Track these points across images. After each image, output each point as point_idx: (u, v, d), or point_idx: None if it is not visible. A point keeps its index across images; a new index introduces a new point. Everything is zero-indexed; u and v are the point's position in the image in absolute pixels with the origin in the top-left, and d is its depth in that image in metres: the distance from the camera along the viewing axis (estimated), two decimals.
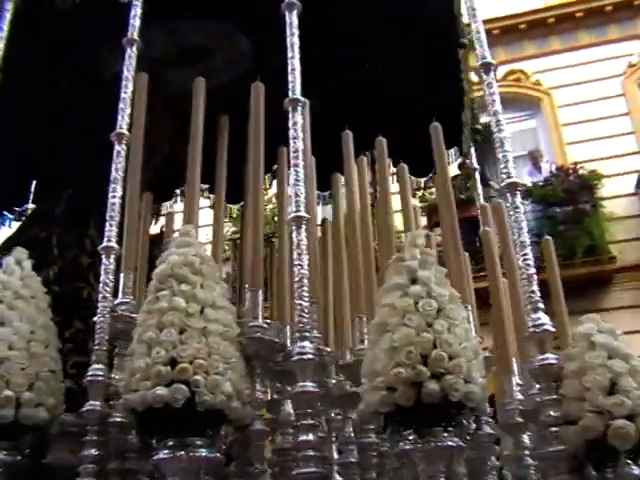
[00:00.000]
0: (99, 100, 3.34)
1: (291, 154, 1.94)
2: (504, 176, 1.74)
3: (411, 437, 1.51)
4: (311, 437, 1.60)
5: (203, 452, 1.61)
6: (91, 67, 3.25)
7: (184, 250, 1.82)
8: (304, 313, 1.71)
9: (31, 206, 3.76)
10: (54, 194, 2.97)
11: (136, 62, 3.42)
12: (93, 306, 2.69)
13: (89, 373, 1.84)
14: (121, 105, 2.24)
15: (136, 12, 2.45)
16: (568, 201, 8.89)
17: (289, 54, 2.13)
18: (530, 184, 8.82)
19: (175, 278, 1.76)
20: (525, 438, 1.88)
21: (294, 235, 1.82)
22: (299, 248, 1.79)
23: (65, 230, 2.80)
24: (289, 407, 2.11)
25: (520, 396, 1.91)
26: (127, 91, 2.27)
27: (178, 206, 4.11)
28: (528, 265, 1.63)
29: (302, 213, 1.84)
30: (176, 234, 1.93)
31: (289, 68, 2.10)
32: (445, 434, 1.49)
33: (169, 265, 1.78)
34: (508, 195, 1.72)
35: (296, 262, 1.78)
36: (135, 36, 2.40)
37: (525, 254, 1.64)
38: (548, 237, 2.17)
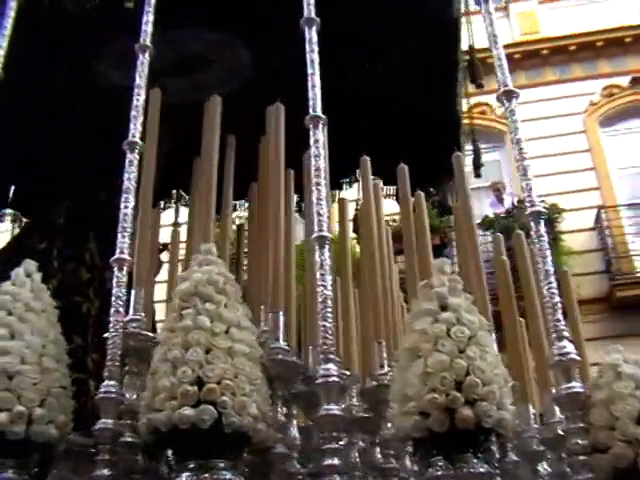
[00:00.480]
0: (98, 111, 3.32)
1: (312, 172, 1.95)
2: (528, 204, 1.78)
3: (441, 463, 1.52)
4: (336, 461, 1.59)
5: (227, 475, 1.59)
6: (89, 75, 3.22)
7: (207, 268, 1.81)
8: (328, 335, 1.71)
9: (9, 211, 3.68)
10: (52, 204, 2.90)
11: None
12: (92, 321, 2.66)
13: (102, 390, 1.79)
14: (133, 113, 2.21)
15: (148, 18, 2.43)
16: (528, 233, 9.11)
17: (309, 70, 2.14)
18: (492, 215, 9.03)
19: (199, 297, 1.74)
20: (541, 467, 1.90)
21: (317, 255, 1.82)
22: (322, 268, 1.79)
23: (65, 242, 2.74)
24: (295, 430, 2.08)
25: (535, 424, 1.94)
26: (139, 99, 2.24)
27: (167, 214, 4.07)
28: (553, 294, 1.66)
29: (325, 233, 1.84)
30: (197, 253, 1.90)
31: (309, 84, 2.11)
32: (475, 460, 1.50)
33: (193, 283, 1.76)
34: (532, 224, 1.75)
35: (319, 282, 1.77)
36: (148, 42, 2.37)
37: (550, 282, 1.67)
38: (565, 269, 2.22)
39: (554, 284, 1.67)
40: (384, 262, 2.19)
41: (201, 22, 3.24)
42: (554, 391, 1.73)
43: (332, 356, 1.69)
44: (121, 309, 1.90)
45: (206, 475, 1.56)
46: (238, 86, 3.46)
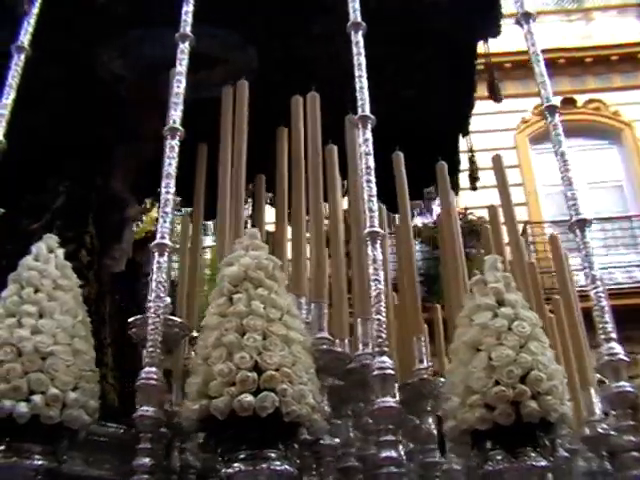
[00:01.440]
0: (97, 97, 3.20)
1: (363, 170, 1.94)
2: (573, 212, 1.83)
3: (499, 456, 1.53)
4: (394, 453, 1.57)
5: (281, 465, 1.53)
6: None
7: (256, 253, 1.76)
8: (382, 328, 1.70)
9: None
10: (46, 186, 2.75)
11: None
12: (92, 305, 2.53)
13: (142, 376, 1.70)
14: (174, 100, 2.15)
15: (188, 8, 2.37)
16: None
17: (357, 73, 2.14)
18: (420, 225, 9.12)
19: (250, 281, 1.69)
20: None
21: (369, 250, 1.81)
22: (375, 263, 1.78)
23: (64, 224, 2.60)
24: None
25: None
26: (180, 86, 2.18)
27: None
28: (600, 297, 1.71)
29: (377, 228, 1.84)
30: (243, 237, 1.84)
31: (357, 86, 2.11)
32: (534, 454, 1.52)
33: (242, 267, 1.71)
34: (577, 231, 1.80)
35: (373, 277, 1.76)
36: (188, 32, 2.31)
37: (597, 287, 1.73)
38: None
39: (600, 288, 1.73)
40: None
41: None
42: (601, 389, 1.78)
43: (386, 349, 1.68)
44: (162, 294, 1.82)
45: (263, 465, 1.51)
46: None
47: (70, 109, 2.95)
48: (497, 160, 2.41)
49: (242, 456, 1.54)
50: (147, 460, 1.63)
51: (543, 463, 1.50)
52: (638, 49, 11.84)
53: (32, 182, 2.82)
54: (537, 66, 2.11)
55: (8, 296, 1.74)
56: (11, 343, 1.62)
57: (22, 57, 2.34)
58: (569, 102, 12.29)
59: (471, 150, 3.47)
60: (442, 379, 1.98)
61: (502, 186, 2.33)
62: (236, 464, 1.53)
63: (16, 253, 2.02)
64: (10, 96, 2.24)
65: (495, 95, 3.09)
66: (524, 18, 2.20)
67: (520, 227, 9.21)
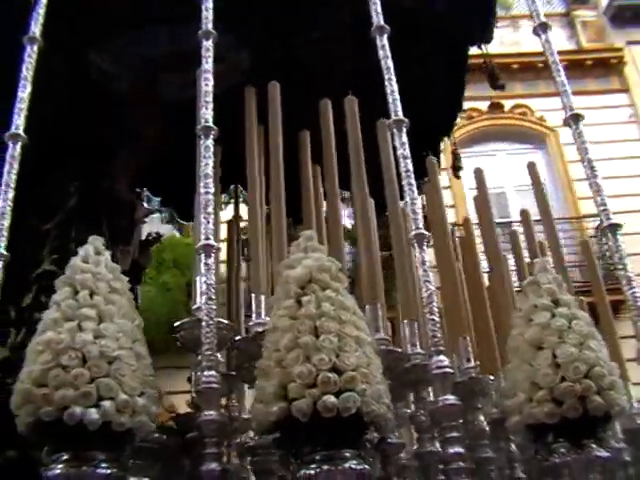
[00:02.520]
0: (97, 95, 3.08)
1: (403, 173, 1.98)
2: (604, 217, 1.95)
3: (562, 449, 1.62)
4: (460, 449, 1.63)
5: (358, 465, 1.55)
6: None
7: (317, 255, 1.77)
8: (436, 328, 1.75)
9: None
10: (50, 181, 2.62)
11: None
12: None
13: (202, 380, 1.68)
14: (205, 99, 2.12)
15: (208, 4, 2.33)
16: (382, 247, 9.70)
17: (385, 76, 2.17)
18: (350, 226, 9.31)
19: (316, 283, 1.70)
20: None
21: (417, 252, 1.86)
22: (424, 265, 1.83)
23: (78, 224, 2.49)
24: None
25: None
26: (208, 84, 2.14)
27: None
28: (636, 298, 1.84)
29: (422, 230, 1.89)
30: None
31: (387, 90, 2.14)
32: (595, 446, 1.62)
33: (306, 270, 1.71)
34: (610, 235, 1.92)
35: (423, 278, 1.81)
36: (210, 28, 2.28)
37: (632, 287, 1.85)
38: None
39: (637, 289, 1.85)
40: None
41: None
42: None
43: (442, 348, 1.73)
44: (213, 296, 1.79)
45: (345, 465, 1.53)
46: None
47: (72, 105, 2.84)
48: (431, 164, 2.52)
49: (319, 457, 1.56)
50: (215, 465, 1.61)
51: (606, 454, 1.60)
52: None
53: (36, 175, 2.69)
54: (558, 76, 2.23)
55: (62, 299, 1.67)
56: (74, 348, 1.56)
57: (35, 48, 2.24)
58: (496, 107, 12.89)
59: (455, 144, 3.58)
60: (491, 377, 2.07)
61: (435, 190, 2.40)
62: (314, 465, 1.55)
63: (32, 253, 1.95)
64: (26, 89, 2.14)
65: (495, 84, 3.18)
66: (541, 28, 2.31)
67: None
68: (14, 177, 1.97)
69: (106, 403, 1.52)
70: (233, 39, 3.33)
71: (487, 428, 2.02)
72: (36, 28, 2.27)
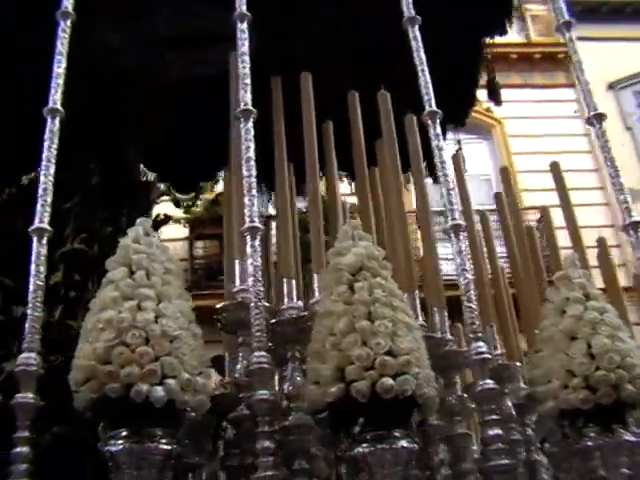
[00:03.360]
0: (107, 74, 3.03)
1: (438, 165, 2.06)
2: (626, 215, 2.07)
3: (592, 433, 1.75)
4: (500, 431, 1.73)
5: (407, 445, 1.64)
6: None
7: (365, 243, 1.83)
8: (474, 315, 1.84)
9: None
10: (72, 164, 2.58)
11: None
12: None
13: (254, 361, 1.72)
14: (244, 81, 2.11)
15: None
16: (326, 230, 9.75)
17: (419, 68, 2.22)
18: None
19: (367, 270, 1.76)
20: None
21: (454, 242, 1.94)
22: (460, 255, 1.92)
23: (100, 204, 2.47)
24: None
25: None
26: (246, 67, 2.14)
27: None
28: None
29: (459, 220, 1.97)
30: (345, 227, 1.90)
31: (421, 82, 2.19)
32: (623, 430, 1.75)
33: (358, 257, 1.78)
34: (631, 232, 2.04)
35: (460, 268, 1.90)
36: (244, 10, 2.28)
37: None
38: None
39: None
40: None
41: None
42: None
43: (480, 334, 1.83)
44: (260, 278, 1.83)
45: (399, 444, 1.61)
46: None
47: (87, 84, 2.80)
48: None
49: (370, 436, 1.64)
50: (269, 443, 1.67)
51: (634, 438, 1.73)
52: (510, 49, 12.78)
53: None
54: (581, 74, 2.32)
55: (119, 279, 1.68)
56: (136, 326, 1.59)
57: (68, 23, 2.21)
58: None
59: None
60: (518, 364, 2.18)
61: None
62: (366, 444, 1.63)
63: (53, 231, 1.95)
64: (62, 64, 2.12)
65: (495, 99, 3.29)
66: (565, 26, 2.40)
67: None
68: (55, 152, 1.96)
69: (170, 381, 1.56)
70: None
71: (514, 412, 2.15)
72: (68, 2, 2.23)
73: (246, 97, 2.09)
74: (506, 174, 2.98)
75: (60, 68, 2.10)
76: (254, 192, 1.94)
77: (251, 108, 2.08)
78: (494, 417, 1.75)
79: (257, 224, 1.90)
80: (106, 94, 2.86)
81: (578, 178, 11.68)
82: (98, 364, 1.55)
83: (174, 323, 1.64)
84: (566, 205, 2.48)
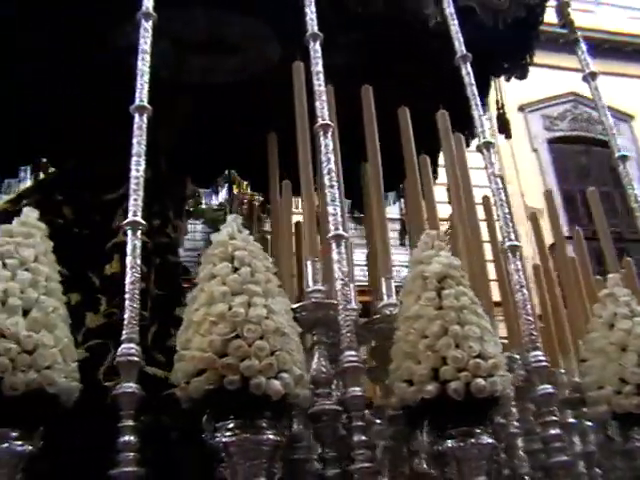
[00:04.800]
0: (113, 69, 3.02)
1: (494, 191, 2.23)
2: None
3: (636, 435, 1.96)
4: (558, 431, 1.91)
5: (487, 440, 1.78)
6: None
7: (445, 254, 1.97)
8: (532, 327, 2.02)
9: None
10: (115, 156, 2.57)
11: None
12: None
13: (346, 359, 1.81)
14: (322, 97, 2.17)
15: (312, 8, 2.41)
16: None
17: (472, 101, 2.39)
18: (205, 205, 8.79)
19: (451, 279, 1.90)
20: None
21: (511, 262, 2.12)
22: (518, 273, 2.09)
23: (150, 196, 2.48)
24: None
25: None
26: (321, 84, 2.22)
27: None
28: None
29: (515, 242, 2.15)
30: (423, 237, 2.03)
31: (474, 113, 2.36)
32: None
33: (442, 266, 1.91)
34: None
35: (517, 285, 2.07)
36: (316, 30, 2.37)
37: None
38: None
39: None
40: None
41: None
42: None
43: (539, 344, 2.01)
44: (348, 281, 1.93)
45: (483, 439, 1.74)
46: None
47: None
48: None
49: (454, 432, 1.77)
50: (363, 437, 1.76)
51: None
52: None
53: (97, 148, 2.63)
54: (606, 120, 2.58)
55: (225, 274, 1.73)
56: (251, 321, 1.65)
57: (150, 23, 2.24)
58: None
59: None
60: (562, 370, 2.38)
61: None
62: (451, 440, 1.76)
63: (101, 222, 1.99)
64: (147, 62, 2.14)
65: (505, 133, 3.50)
66: (590, 76, 2.65)
67: None
68: (144, 147, 1.98)
69: (285, 375, 1.63)
70: (266, 30, 3.40)
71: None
72: (149, 3, 2.26)
73: (324, 112, 2.18)
74: None
75: (145, 66, 2.13)
76: (337, 202, 2.04)
77: (330, 122, 2.17)
78: (553, 418, 1.93)
79: (342, 232, 1.99)
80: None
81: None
82: (216, 356, 1.60)
83: (282, 319, 1.71)
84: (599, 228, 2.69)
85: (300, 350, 1.74)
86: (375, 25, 3.01)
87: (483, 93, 3.64)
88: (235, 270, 1.76)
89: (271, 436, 1.63)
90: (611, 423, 2.02)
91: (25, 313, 1.56)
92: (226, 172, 4.31)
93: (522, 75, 3.20)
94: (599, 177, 11.06)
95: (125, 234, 2.36)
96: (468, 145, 3.87)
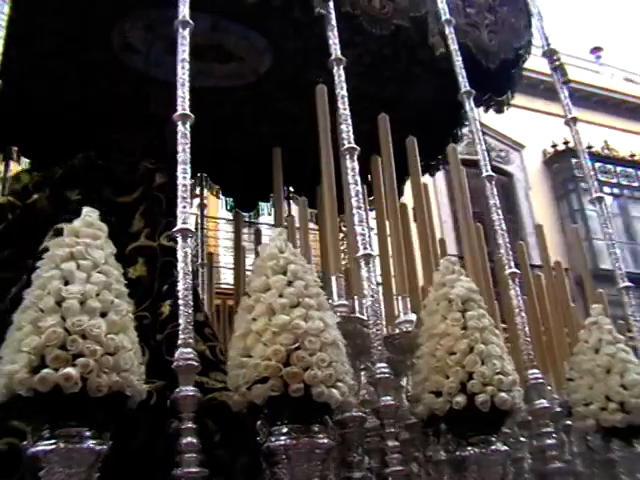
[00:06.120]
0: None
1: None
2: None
3: (616, 446, 2.23)
4: (554, 441, 2.16)
5: (504, 446, 1.99)
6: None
7: (465, 278, 2.16)
8: (529, 348, 2.27)
9: None
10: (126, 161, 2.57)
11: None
12: None
13: (380, 370, 1.96)
14: (347, 120, 2.31)
15: (334, 32, 2.52)
16: None
17: (475, 134, 2.61)
18: None
19: (473, 301, 2.09)
20: None
21: (511, 287, 2.35)
22: (517, 297, 2.33)
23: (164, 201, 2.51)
24: None
25: None
26: (346, 108, 2.35)
27: None
28: None
29: (514, 270, 2.39)
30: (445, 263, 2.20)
31: (478, 148, 2.58)
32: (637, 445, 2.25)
33: (465, 290, 2.10)
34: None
35: (518, 309, 2.32)
36: (339, 54, 2.47)
37: None
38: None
39: None
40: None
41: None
42: None
43: (535, 363, 2.25)
44: (377, 296, 2.08)
45: (495, 447, 1.95)
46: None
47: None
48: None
49: (475, 440, 1.96)
50: (397, 442, 1.91)
51: None
52: None
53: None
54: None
55: (280, 287, 1.83)
56: (311, 333, 1.76)
57: (187, 31, 2.29)
58: None
59: None
60: None
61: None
62: (471, 447, 1.95)
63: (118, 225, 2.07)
64: (186, 71, 2.19)
65: None
66: (572, 121, 2.95)
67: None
68: (189, 155, 2.03)
69: (341, 384, 1.75)
70: (260, 42, 3.46)
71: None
72: (186, 11, 2.31)
73: (350, 135, 2.32)
74: None
75: (185, 74, 2.17)
76: (365, 223, 2.18)
77: (355, 146, 2.31)
78: (549, 429, 2.17)
79: (370, 251, 2.14)
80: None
81: None
82: (281, 365, 1.70)
83: (335, 332, 1.84)
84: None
85: (347, 361, 1.87)
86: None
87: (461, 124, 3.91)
88: (289, 283, 1.86)
89: (325, 440, 1.75)
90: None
91: (102, 315, 1.60)
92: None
93: (500, 109, 3.47)
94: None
95: (148, 237, 2.40)
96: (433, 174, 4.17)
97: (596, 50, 15.59)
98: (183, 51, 2.24)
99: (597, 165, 12.20)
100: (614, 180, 12.79)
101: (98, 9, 3.06)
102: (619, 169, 12.87)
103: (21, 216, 2.34)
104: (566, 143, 11.45)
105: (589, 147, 11.84)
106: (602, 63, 15.26)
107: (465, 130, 3.93)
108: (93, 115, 3.23)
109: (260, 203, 4.57)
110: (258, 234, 4.06)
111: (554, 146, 12.18)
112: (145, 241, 2.31)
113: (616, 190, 12.73)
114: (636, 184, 12.99)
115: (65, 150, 2.81)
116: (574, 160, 11.44)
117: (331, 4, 2.63)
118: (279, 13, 3.15)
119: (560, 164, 12.22)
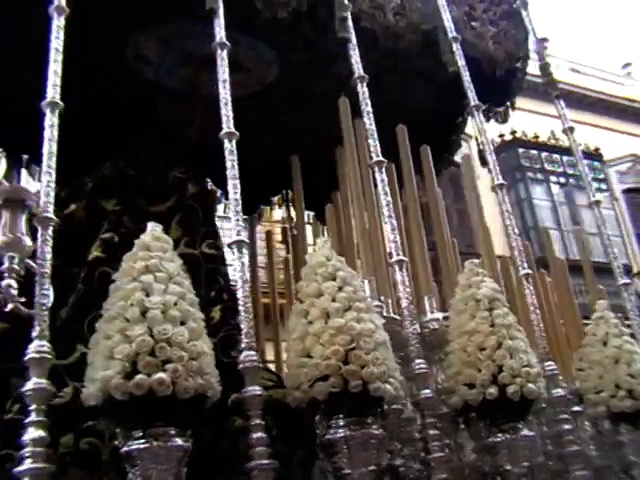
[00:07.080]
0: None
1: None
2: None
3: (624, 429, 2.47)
4: (571, 426, 2.38)
5: (531, 432, 2.20)
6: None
7: (489, 279, 2.36)
8: (544, 342, 2.48)
9: None
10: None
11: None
12: None
13: (418, 366, 2.14)
14: (374, 135, 2.47)
15: (355, 51, 2.66)
16: None
17: (487, 149, 2.81)
18: None
19: (498, 301, 2.29)
20: None
21: (526, 288, 2.56)
22: (532, 297, 2.54)
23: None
24: None
25: None
26: (372, 123, 2.51)
27: None
28: None
29: (527, 270, 2.59)
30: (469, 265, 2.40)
31: (489, 159, 2.78)
32: None
33: (491, 290, 2.30)
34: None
35: (532, 307, 2.53)
36: (362, 72, 2.62)
37: None
38: None
39: None
40: None
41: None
42: None
43: (550, 355, 2.47)
44: (411, 299, 2.26)
45: (526, 432, 2.16)
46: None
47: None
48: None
49: (505, 427, 2.16)
50: (437, 431, 2.10)
51: None
52: None
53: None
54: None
55: (333, 292, 1.99)
56: (364, 334, 1.93)
57: (225, 52, 2.42)
58: None
59: None
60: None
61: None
62: (501, 433, 2.15)
63: None
64: (228, 90, 2.31)
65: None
66: (569, 130, 3.18)
67: None
68: (237, 171, 2.16)
69: (393, 380, 1.93)
70: (275, 55, 3.58)
71: None
72: (222, 33, 2.45)
73: (377, 149, 2.48)
74: None
75: (227, 94, 2.30)
76: (397, 231, 2.36)
77: (383, 159, 2.48)
78: (565, 416, 2.39)
79: (403, 257, 2.32)
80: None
81: None
82: (341, 364, 1.87)
83: (383, 332, 2.01)
84: None
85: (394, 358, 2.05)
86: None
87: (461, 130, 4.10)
88: (340, 288, 2.03)
89: (379, 430, 1.93)
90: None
91: (181, 323, 1.74)
92: None
93: (504, 119, 3.68)
94: None
95: (188, 245, 2.53)
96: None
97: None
98: (223, 72, 2.36)
99: (543, 155, 12.60)
100: (560, 169, 13.07)
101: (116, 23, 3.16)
102: (565, 158, 13.06)
103: (61, 226, 2.44)
104: (513, 133, 11.74)
105: (535, 137, 12.35)
106: (548, 54, 15.58)
107: None
108: (116, 128, 3.32)
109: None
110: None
111: (501, 136, 12.30)
112: (185, 249, 2.42)
113: (562, 179, 13.02)
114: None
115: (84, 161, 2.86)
116: (521, 150, 11.86)
117: (350, 22, 2.79)
118: (288, 26, 3.30)
119: (507, 153, 12.38)
